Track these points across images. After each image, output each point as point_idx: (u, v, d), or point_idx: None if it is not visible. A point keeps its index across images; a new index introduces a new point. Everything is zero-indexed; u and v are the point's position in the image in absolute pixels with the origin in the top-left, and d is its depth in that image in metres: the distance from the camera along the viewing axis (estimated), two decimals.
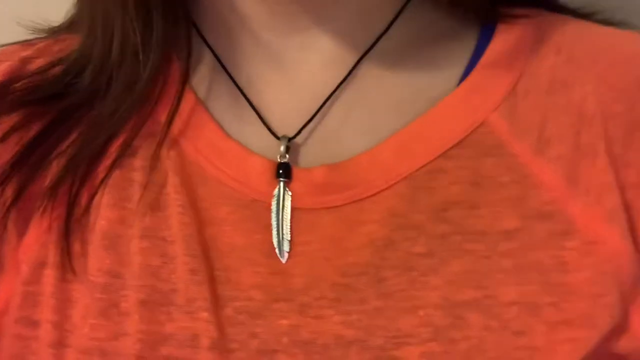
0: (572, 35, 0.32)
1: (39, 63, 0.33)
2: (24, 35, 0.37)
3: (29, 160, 0.31)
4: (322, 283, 0.28)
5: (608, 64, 0.31)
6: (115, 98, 0.31)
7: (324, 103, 0.31)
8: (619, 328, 0.27)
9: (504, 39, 0.32)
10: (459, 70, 0.32)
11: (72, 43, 0.34)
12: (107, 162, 0.31)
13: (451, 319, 0.27)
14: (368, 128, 0.31)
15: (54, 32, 0.36)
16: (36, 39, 0.36)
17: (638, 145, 0.29)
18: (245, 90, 0.32)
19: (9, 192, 0.30)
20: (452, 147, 0.29)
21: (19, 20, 0.37)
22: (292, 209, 0.29)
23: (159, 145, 0.30)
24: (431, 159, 0.29)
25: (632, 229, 0.28)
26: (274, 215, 0.29)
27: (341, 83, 0.31)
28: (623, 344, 0.28)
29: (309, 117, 0.31)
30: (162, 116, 0.31)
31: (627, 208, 0.29)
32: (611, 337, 0.27)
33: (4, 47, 0.35)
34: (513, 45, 0.32)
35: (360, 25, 0.31)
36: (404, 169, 0.29)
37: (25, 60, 0.33)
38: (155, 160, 0.30)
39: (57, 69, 0.32)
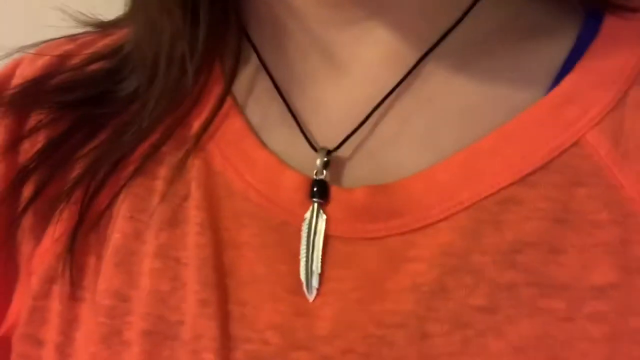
0: None
1: (78, 59, 0.31)
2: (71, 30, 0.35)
3: (50, 159, 0.28)
4: (352, 332, 0.23)
5: None
6: (150, 103, 0.28)
7: (376, 108, 0.26)
8: None
9: (612, 36, 0.25)
10: (551, 74, 0.25)
11: (116, 39, 0.31)
12: (130, 168, 0.27)
13: None
14: (427, 142, 0.25)
15: (102, 27, 0.34)
16: (84, 32, 0.34)
17: None
18: (287, 93, 0.27)
19: (27, 191, 0.28)
20: (533, 172, 0.23)
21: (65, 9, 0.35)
22: (326, 237, 0.24)
23: (187, 153, 0.26)
24: (504, 185, 0.23)
25: None
26: (303, 242, 0.24)
27: (398, 85, 0.26)
28: None
29: (356, 125, 0.26)
30: (195, 121, 0.27)
31: None
32: None
33: (50, 42, 0.33)
34: (624, 44, 0.25)
35: (425, 16, 0.26)
36: (467, 195, 0.23)
37: (65, 55, 0.31)
38: (180, 169, 0.26)
39: (95, 66, 0.30)
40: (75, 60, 0.31)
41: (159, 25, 0.28)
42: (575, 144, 0.23)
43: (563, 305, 0.21)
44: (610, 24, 0.26)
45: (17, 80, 0.31)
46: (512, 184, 0.23)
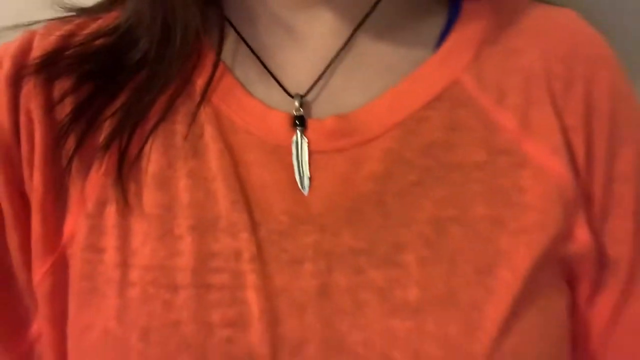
0: (521, 11, 0.40)
1: (82, 36, 0.39)
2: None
3: (84, 117, 0.36)
4: (337, 209, 0.35)
5: (550, 35, 0.39)
6: (164, 65, 0.37)
7: (328, 66, 0.38)
8: (565, 235, 0.36)
9: (469, 15, 0.40)
10: (435, 38, 0.39)
11: (107, 21, 0.39)
12: (153, 119, 0.37)
13: (438, 231, 0.34)
14: (366, 86, 0.38)
15: (85, 12, 0.42)
16: (69, 16, 0.41)
17: (574, 97, 0.38)
18: (262, 58, 0.38)
19: (71, 142, 0.36)
20: (432, 100, 0.37)
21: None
22: (309, 152, 0.36)
23: (200, 102, 0.36)
24: (417, 109, 0.37)
25: (572, 161, 0.37)
26: (294, 157, 0.36)
27: (341, 49, 0.38)
28: (569, 248, 0.36)
29: (316, 78, 0.38)
30: (198, 80, 0.37)
31: (568, 145, 0.37)
32: (559, 242, 0.35)
33: (48, 23, 0.40)
34: (476, 18, 0.39)
35: (355, 2, 0.38)
36: (397, 118, 0.37)
37: (69, 34, 0.39)
38: (195, 115, 0.36)
39: (100, 41, 0.38)
40: (78, 38, 0.39)
41: (158, 4, 0.37)
42: (454, 82, 0.38)
43: (459, 176, 0.35)
44: (467, 7, 0.40)
45: (36, 52, 0.38)
46: (421, 109, 0.37)
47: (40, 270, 0.36)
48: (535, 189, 0.36)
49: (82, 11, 0.42)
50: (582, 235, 0.37)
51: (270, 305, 0.33)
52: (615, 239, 0.38)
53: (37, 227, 0.36)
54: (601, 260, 0.38)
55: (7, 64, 0.37)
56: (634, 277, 0.38)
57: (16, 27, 0.40)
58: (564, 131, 0.37)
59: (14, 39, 0.40)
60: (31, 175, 0.36)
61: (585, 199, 0.37)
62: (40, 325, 0.37)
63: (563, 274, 0.37)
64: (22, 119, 0.37)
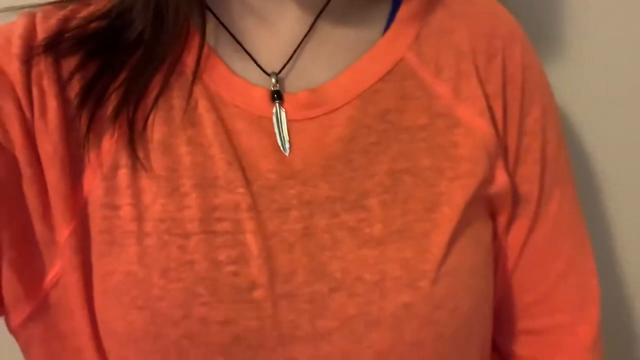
0: None
1: (77, 20, 0.44)
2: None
3: (93, 93, 0.42)
4: (313, 166, 0.43)
5: (474, 17, 0.49)
6: (152, 46, 0.43)
7: (297, 48, 0.45)
8: (489, 179, 0.46)
9: (409, 2, 0.48)
10: (383, 22, 0.48)
11: (98, 6, 0.45)
12: (152, 93, 0.43)
13: (394, 180, 0.43)
14: (330, 64, 0.46)
15: None
16: (60, 2, 0.46)
17: (494, 69, 0.47)
18: (240, 41, 0.45)
19: (84, 119, 0.42)
20: (385, 75, 0.45)
21: None
22: (287, 121, 0.44)
23: (193, 80, 0.43)
24: (373, 83, 0.45)
25: (493, 121, 0.47)
26: (275, 125, 0.44)
27: (307, 34, 0.46)
28: (492, 189, 0.46)
29: (287, 59, 0.45)
30: (188, 59, 0.44)
31: (490, 109, 0.47)
32: (485, 184, 0.45)
33: (44, 8, 0.44)
34: (415, 4, 0.48)
35: None
36: (357, 90, 0.45)
37: (65, 18, 0.44)
38: (190, 90, 0.43)
39: (96, 24, 0.43)
40: (75, 22, 0.44)
41: None
42: (401, 59, 0.46)
43: (408, 136, 0.44)
44: None
45: (41, 35, 0.42)
46: (376, 82, 0.45)
47: (66, 230, 0.41)
48: (467, 144, 0.45)
49: None
50: (501, 178, 0.47)
51: (265, 244, 0.41)
52: (525, 180, 0.48)
53: (55, 184, 0.41)
54: (515, 197, 0.48)
55: (17, 43, 0.42)
56: (540, 209, 0.49)
57: (10, 9, 0.45)
58: (487, 97, 0.47)
59: (11, 21, 0.44)
60: (44, 141, 0.41)
61: (503, 150, 0.47)
62: (65, 274, 0.42)
63: (488, 208, 0.47)
64: (35, 93, 0.41)
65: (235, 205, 0.42)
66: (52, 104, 0.41)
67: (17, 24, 0.43)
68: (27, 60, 0.41)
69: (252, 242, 0.41)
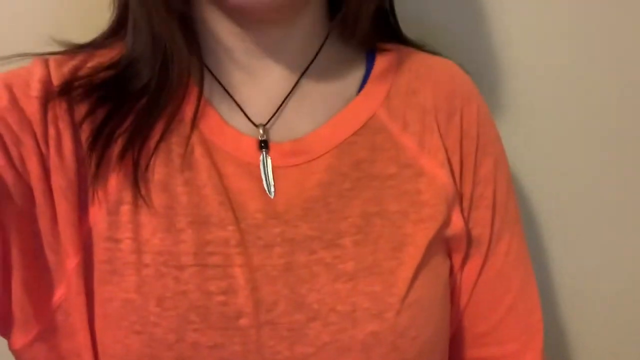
0: (417, 61, 0.56)
1: (87, 69, 0.49)
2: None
3: (101, 137, 0.46)
4: (295, 208, 0.48)
5: (437, 79, 0.55)
6: (157, 96, 0.48)
7: (283, 102, 0.51)
8: (447, 223, 0.52)
9: (381, 63, 0.55)
10: (358, 81, 0.54)
11: (105, 57, 0.50)
12: (154, 138, 0.47)
13: (366, 222, 0.49)
14: (311, 117, 0.51)
15: (81, 48, 0.52)
16: (68, 51, 0.51)
17: (452, 126, 0.54)
18: (232, 94, 0.51)
19: (94, 159, 0.46)
20: (359, 129, 0.51)
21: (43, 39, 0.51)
22: (273, 167, 0.49)
23: (192, 128, 0.48)
24: (349, 135, 0.51)
25: (452, 171, 0.53)
26: (262, 171, 0.49)
27: (291, 91, 0.52)
28: (450, 231, 0.52)
29: (273, 112, 0.51)
30: (186, 108, 0.49)
31: (449, 161, 0.53)
32: (444, 227, 0.52)
33: (55, 56, 0.49)
34: (386, 67, 0.55)
35: (299, 54, 0.52)
36: (335, 142, 0.51)
37: (76, 68, 0.49)
38: (189, 138, 0.48)
39: (104, 74, 0.48)
40: (84, 71, 0.48)
41: (162, 40, 0.47)
42: (373, 115, 0.52)
43: (378, 183, 0.50)
44: (379, 58, 0.55)
45: (55, 81, 0.47)
46: (351, 135, 0.51)
47: (74, 258, 0.45)
48: (429, 191, 0.51)
49: (79, 47, 0.52)
50: (457, 222, 0.53)
51: (251, 277, 0.46)
52: (478, 224, 0.55)
53: (66, 215, 0.44)
54: (469, 239, 0.55)
55: (36, 87, 0.46)
56: (490, 249, 0.55)
57: (25, 55, 0.49)
58: (447, 150, 0.53)
59: (27, 65, 0.48)
60: (59, 175, 0.45)
61: (459, 197, 0.54)
62: (69, 298, 0.45)
63: (446, 248, 0.53)
64: (52, 132, 0.45)
65: (226, 241, 0.47)
66: (67, 144, 0.46)
67: (34, 69, 0.47)
68: (45, 103, 0.46)
69: (239, 274, 0.46)
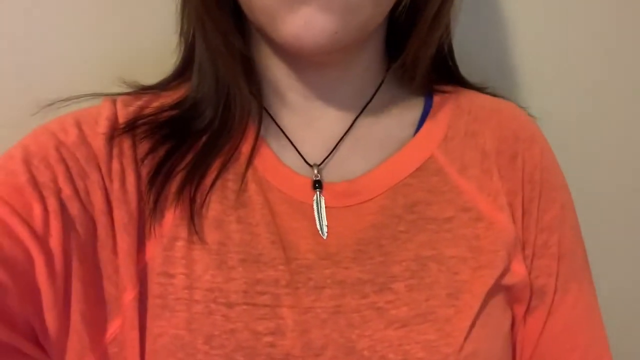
0: (476, 102, 0.55)
1: (151, 109, 0.50)
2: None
3: (160, 174, 0.47)
4: (347, 249, 0.48)
5: (498, 121, 0.54)
6: (218, 135, 0.49)
7: (339, 142, 0.51)
8: (506, 270, 0.50)
9: (438, 105, 0.54)
10: (415, 123, 0.53)
11: (168, 99, 0.51)
12: (211, 175, 0.48)
13: (420, 266, 0.47)
14: (365, 159, 0.51)
15: (148, 89, 0.54)
16: (135, 91, 0.53)
17: (515, 169, 0.52)
18: (288, 135, 0.51)
19: (153, 195, 0.47)
20: (415, 171, 0.51)
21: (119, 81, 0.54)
22: (326, 207, 0.49)
23: (247, 166, 0.49)
24: (403, 178, 0.50)
25: (513, 216, 0.51)
26: (315, 211, 0.49)
27: (348, 130, 0.51)
28: (510, 280, 0.50)
29: (328, 152, 0.51)
30: (244, 147, 0.49)
31: (510, 205, 0.51)
32: (504, 275, 0.49)
33: (122, 97, 0.51)
34: (444, 109, 0.54)
35: (356, 95, 0.52)
36: (389, 183, 0.50)
37: (141, 108, 0.50)
38: (244, 175, 0.49)
39: (167, 113, 0.50)
40: (149, 110, 0.50)
41: (225, 82, 0.49)
42: (430, 157, 0.52)
43: (434, 226, 0.49)
44: (437, 99, 0.54)
45: (121, 119, 0.49)
46: (406, 177, 0.50)
47: (132, 292, 0.45)
48: (488, 237, 0.49)
49: (146, 89, 0.54)
50: (519, 271, 0.51)
51: (300, 319, 0.45)
52: (542, 273, 0.52)
53: (126, 249, 0.45)
54: (532, 289, 0.52)
55: (104, 124, 0.48)
56: (556, 301, 0.52)
57: (95, 95, 0.52)
58: (508, 194, 0.51)
59: (97, 105, 0.50)
60: (121, 209, 0.46)
61: (521, 244, 0.51)
62: (124, 331, 0.46)
63: (507, 298, 0.51)
64: (116, 167, 0.47)
65: (276, 280, 0.46)
66: (130, 179, 0.47)
67: (103, 108, 0.49)
68: (111, 139, 0.48)
69: (288, 315, 0.45)
